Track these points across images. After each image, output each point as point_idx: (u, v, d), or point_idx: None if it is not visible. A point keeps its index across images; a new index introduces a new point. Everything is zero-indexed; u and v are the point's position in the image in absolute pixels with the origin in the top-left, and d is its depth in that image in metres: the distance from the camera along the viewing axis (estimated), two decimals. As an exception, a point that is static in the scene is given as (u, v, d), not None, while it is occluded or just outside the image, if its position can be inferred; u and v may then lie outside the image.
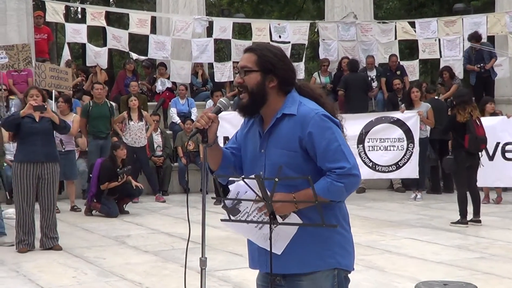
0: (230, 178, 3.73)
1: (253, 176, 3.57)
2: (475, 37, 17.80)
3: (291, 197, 3.62)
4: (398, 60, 19.27)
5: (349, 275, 3.87)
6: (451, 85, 17.82)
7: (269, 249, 3.71)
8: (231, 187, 3.74)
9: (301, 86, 3.88)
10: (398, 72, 18.52)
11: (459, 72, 18.82)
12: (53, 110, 11.89)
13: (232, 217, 3.75)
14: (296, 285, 3.76)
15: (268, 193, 3.56)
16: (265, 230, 3.71)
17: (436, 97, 16.45)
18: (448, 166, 12.04)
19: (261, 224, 3.72)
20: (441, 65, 18.97)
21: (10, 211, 11.82)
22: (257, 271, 3.98)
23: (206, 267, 3.77)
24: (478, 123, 11.81)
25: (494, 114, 14.79)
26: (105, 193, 13.09)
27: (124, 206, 13.51)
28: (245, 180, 3.62)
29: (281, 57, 3.80)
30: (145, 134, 15.21)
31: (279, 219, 3.67)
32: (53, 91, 14.51)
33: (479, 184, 12.34)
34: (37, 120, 9.84)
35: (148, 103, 17.68)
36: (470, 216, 11.71)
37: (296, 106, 3.74)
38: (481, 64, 17.57)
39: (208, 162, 3.89)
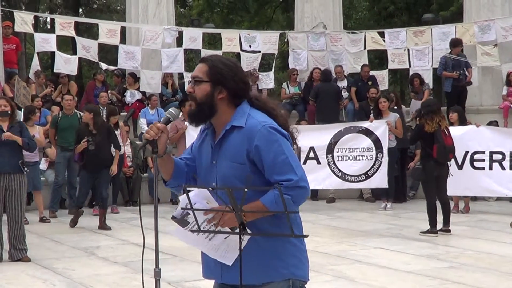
0: (202, 189, 3.71)
1: (224, 187, 3.59)
2: (461, 42, 17.88)
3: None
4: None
5: (308, 285, 3.89)
6: (421, 91, 17.94)
7: (220, 260, 3.77)
8: (180, 198, 3.74)
9: (253, 98, 3.90)
10: (370, 82, 18.58)
11: (428, 81, 18.94)
12: (20, 119, 11.81)
13: (184, 228, 3.77)
14: None
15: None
16: (215, 241, 3.75)
17: (395, 107, 16.36)
18: (417, 175, 12.11)
19: (212, 235, 3.74)
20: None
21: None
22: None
23: (160, 277, 3.80)
24: (447, 133, 11.87)
25: (464, 123, 14.80)
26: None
27: (103, 219, 12.91)
28: (215, 191, 3.63)
29: (233, 69, 3.82)
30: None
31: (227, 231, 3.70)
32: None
33: (449, 193, 12.40)
34: (5, 130, 9.76)
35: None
36: (439, 225, 11.77)
37: (245, 119, 3.76)
38: (461, 71, 17.56)
39: (161, 172, 3.93)
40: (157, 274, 3.75)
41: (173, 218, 3.77)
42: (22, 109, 14.49)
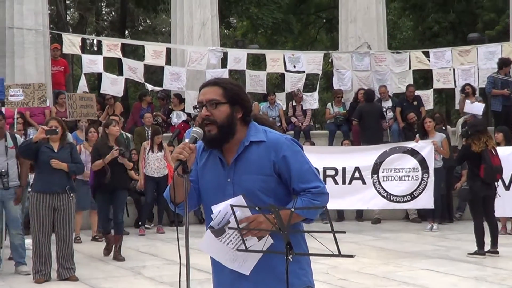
0: (256, 208, 3.73)
1: (270, 206, 3.62)
2: (511, 62, 17.77)
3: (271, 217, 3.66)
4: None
5: None
6: (476, 101, 17.67)
7: (237, 270, 3.84)
8: (216, 207, 3.78)
9: (256, 116, 4.04)
10: (415, 103, 18.48)
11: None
12: (71, 141, 11.95)
13: (218, 238, 3.81)
14: None
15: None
16: (239, 252, 3.78)
17: (443, 127, 16.21)
18: (464, 196, 11.99)
19: (239, 245, 3.75)
20: (457, 95, 18.97)
21: (27, 242, 11.86)
22: None
23: None
24: (494, 153, 11.75)
25: (511, 143, 14.59)
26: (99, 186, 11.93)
27: (118, 247, 11.90)
28: (261, 210, 3.65)
29: (242, 88, 3.99)
30: (166, 164, 15.14)
31: (255, 241, 3.73)
32: (83, 122, 15.12)
33: (497, 214, 12.27)
34: (55, 151, 9.92)
35: (164, 134, 17.71)
36: (487, 247, 11.63)
37: (262, 133, 3.89)
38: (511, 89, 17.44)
39: (175, 193, 3.87)
40: None
41: (210, 227, 3.82)
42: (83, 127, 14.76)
